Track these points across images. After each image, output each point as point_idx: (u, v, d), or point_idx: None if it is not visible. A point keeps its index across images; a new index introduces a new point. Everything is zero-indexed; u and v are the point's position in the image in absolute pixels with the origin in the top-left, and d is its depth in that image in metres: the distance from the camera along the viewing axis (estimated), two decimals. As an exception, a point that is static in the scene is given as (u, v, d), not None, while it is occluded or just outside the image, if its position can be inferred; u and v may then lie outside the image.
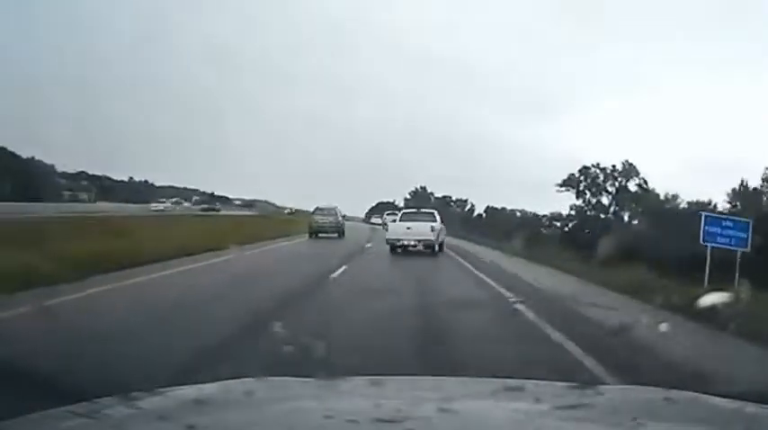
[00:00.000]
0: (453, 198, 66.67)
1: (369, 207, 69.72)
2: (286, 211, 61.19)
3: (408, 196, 67.14)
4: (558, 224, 44.60)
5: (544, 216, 46.54)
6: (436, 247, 20.55)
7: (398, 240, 20.39)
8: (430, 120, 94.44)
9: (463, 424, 1.46)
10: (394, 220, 23.74)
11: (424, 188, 67.99)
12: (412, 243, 20.23)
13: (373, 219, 51.21)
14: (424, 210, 24.26)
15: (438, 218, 21.83)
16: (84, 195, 54.17)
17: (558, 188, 44.47)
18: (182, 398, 1.62)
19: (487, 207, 61.37)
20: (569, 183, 44.57)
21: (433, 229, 20.51)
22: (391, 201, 65.49)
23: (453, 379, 2.36)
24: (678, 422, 1.57)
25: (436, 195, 66.03)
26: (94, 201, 51.63)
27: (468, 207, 65.99)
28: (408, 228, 20.58)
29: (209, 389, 1.76)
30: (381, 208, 57.67)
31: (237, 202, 71.02)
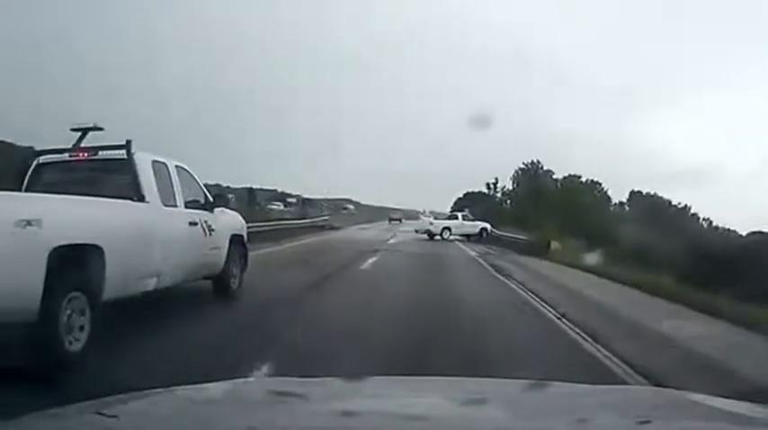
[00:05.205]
0: (582, 179, 46.29)
1: (455, 199, 55.46)
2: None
3: (518, 172, 49.01)
4: None
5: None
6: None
7: (427, 230, 33.14)
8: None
9: (463, 423, 1.45)
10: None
11: (537, 163, 48.72)
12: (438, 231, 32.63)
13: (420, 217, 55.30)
14: (454, 213, 36.55)
15: (460, 218, 33.97)
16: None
17: None
18: (182, 398, 1.61)
19: (632, 192, 44.20)
20: None
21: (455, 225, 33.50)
22: (492, 180, 49.18)
23: (454, 379, 2.37)
24: (680, 422, 1.55)
25: (555, 176, 46.74)
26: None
27: (602, 190, 47.13)
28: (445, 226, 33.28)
29: (209, 389, 1.75)
30: (471, 197, 50.62)
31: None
